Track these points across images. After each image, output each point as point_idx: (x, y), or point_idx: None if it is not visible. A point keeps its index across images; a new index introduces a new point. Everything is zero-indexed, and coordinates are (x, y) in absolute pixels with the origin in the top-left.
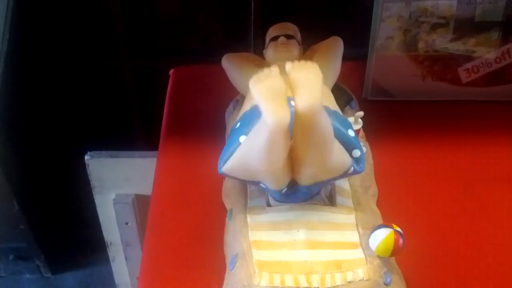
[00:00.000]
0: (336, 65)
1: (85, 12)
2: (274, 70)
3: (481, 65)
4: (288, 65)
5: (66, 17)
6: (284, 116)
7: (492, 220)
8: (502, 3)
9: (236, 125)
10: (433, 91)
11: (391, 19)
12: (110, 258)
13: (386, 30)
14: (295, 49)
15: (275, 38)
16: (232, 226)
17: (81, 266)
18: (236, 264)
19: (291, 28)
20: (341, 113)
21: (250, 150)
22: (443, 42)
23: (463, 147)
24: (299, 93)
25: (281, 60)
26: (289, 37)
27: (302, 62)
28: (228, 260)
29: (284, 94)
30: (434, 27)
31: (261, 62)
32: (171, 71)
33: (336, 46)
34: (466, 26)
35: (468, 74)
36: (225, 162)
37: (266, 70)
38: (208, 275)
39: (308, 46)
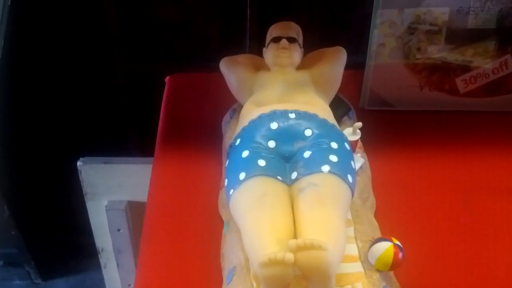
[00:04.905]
0: (338, 77)
1: (80, 17)
2: (289, 257)
3: (478, 76)
4: (292, 244)
5: (61, 23)
6: None
7: (491, 231)
8: (495, 11)
9: (236, 142)
10: (431, 101)
11: (383, 26)
12: (102, 265)
13: (378, 37)
14: (296, 55)
15: (276, 39)
16: (230, 239)
17: (72, 273)
18: (234, 278)
19: (294, 29)
20: (338, 127)
21: None
22: (436, 50)
23: (461, 157)
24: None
25: (281, 66)
26: (291, 40)
27: (308, 242)
28: (225, 273)
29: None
30: (427, 34)
31: (261, 64)
32: (167, 78)
33: (339, 57)
34: (459, 34)
35: (465, 85)
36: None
37: (279, 254)
38: (203, 286)
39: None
